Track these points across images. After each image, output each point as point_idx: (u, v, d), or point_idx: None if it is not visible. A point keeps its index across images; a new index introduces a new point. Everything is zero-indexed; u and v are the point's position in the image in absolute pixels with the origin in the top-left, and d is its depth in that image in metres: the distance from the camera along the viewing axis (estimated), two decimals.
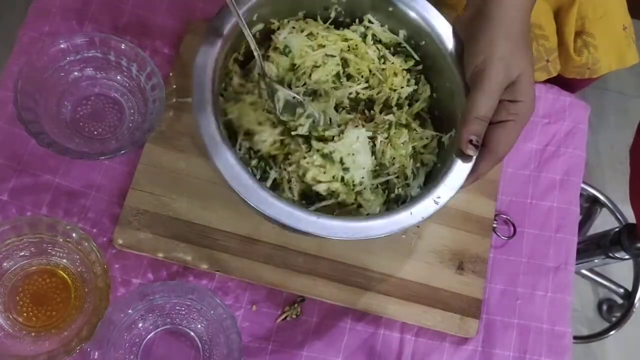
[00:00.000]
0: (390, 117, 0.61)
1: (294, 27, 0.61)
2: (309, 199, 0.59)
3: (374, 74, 0.63)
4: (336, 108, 0.61)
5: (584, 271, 1.43)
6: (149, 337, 0.62)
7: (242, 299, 0.65)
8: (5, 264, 0.61)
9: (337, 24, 0.64)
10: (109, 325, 0.57)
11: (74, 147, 0.62)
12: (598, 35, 0.78)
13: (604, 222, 1.45)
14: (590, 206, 1.48)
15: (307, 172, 0.57)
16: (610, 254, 1.18)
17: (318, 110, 0.59)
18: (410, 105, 0.63)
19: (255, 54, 0.55)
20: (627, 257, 1.17)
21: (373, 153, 0.59)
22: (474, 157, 0.54)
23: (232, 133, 0.59)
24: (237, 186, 0.51)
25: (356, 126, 0.59)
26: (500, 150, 0.53)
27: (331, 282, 0.65)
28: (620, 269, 1.46)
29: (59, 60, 0.63)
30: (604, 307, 1.46)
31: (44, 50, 0.61)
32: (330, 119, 0.60)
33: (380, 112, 0.62)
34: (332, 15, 0.63)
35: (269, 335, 0.65)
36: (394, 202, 0.60)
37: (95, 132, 0.66)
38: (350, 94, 0.62)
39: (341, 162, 0.57)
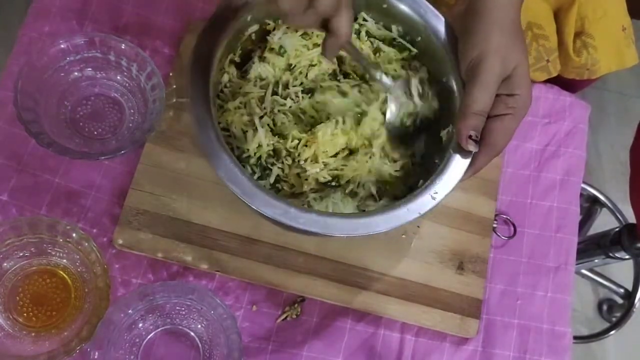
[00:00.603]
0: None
1: (288, 28, 0.61)
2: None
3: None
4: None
5: (584, 271, 1.43)
6: (149, 337, 0.62)
7: (242, 299, 0.65)
8: (5, 264, 0.61)
9: None
10: (109, 326, 0.57)
11: (74, 147, 0.62)
12: (597, 36, 0.78)
13: (604, 222, 1.45)
14: (590, 206, 1.47)
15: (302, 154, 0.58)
16: (610, 254, 1.18)
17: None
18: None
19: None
20: (627, 257, 1.17)
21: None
22: (473, 153, 0.54)
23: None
24: (236, 189, 0.51)
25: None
26: (499, 143, 0.53)
27: (331, 282, 0.65)
28: (620, 269, 1.46)
29: (59, 61, 0.63)
30: (604, 307, 1.46)
31: (44, 50, 0.61)
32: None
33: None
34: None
35: (269, 336, 0.65)
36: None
37: (95, 132, 0.66)
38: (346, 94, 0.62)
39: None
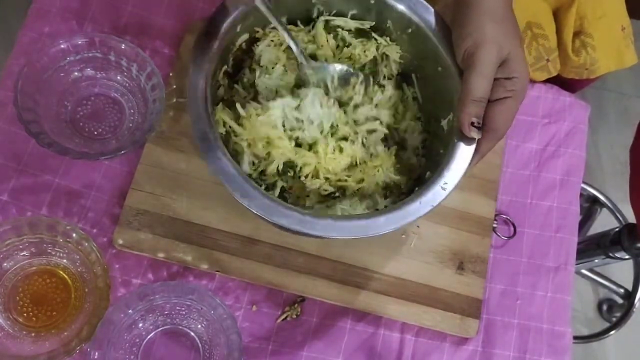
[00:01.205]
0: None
1: (272, 40, 0.62)
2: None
3: (339, 58, 0.63)
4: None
5: (584, 271, 1.43)
6: (149, 337, 0.62)
7: (242, 299, 0.65)
8: (5, 264, 0.61)
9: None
10: (109, 326, 0.57)
11: (74, 147, 0.62)
12: (596, 36, 0.78)
13: (604, 222, 1.45)
14: (590, 206, 1.48)
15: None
16: (610, 254, 1.18)
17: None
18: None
19: (292, 44, 0.57)
20: (627, 257, 1.17)
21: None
22: (477, 139, 0.54)
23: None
24: (252, 205, 0.51)
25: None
26: (501, 127, 0.53)
27: (331, 282, 0.65)
28: (620, 269, 1.46)
29: (59, 61, 0.63)
30: (604, 307, 1.46)
31: (44, 50, 0.61)
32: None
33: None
34: (314, 15, 0.63)
35: (269, 336, 0.65)
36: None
37: (95, 132, 0.66)
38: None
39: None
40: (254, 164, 0.59)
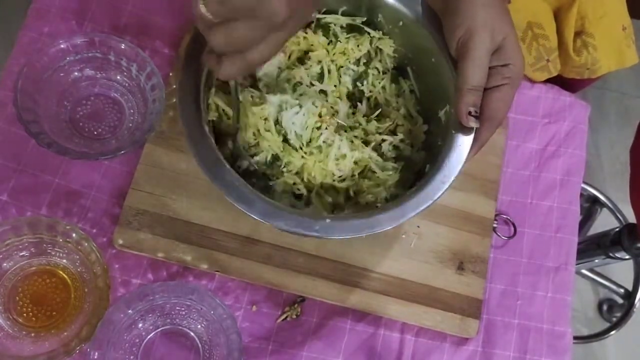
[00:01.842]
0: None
1: None
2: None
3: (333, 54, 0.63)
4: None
5: (584, 271, 1.43)
6: (148, 337, 0.62)
7: (242, 299, 0.65)
8: (5, 264, 0.61)
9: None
10: (108, 326, 0.57)
11: (73, 147, 0.62)
12: (597, 36, 0.78)
13: (604, 222, 1.45)
14: (590, 206, 1.48)
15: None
16: (611, 254, 1.18)
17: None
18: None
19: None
20: (627, 257, 1.17)
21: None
22: (475, 128, 0.54)
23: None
24: (253, 212, 0.51)
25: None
26: (499, 114, 0.53)
27: (331, 282, 0.65)
28: (621, 269, 1.46)
29: (58, 61, 0.63)
30: (604, 307, 1.46)
31: (44, 50, 0.61)
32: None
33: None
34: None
35: (269, 336, 0.65)
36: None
37: (95, 132, 0.66)
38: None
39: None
40: (244, 148, 0.59)
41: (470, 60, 0.52)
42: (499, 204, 0.72)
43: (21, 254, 0.61)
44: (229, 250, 0.64)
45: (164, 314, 0.62)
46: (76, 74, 0.66)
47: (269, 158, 0.59)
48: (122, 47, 0.63)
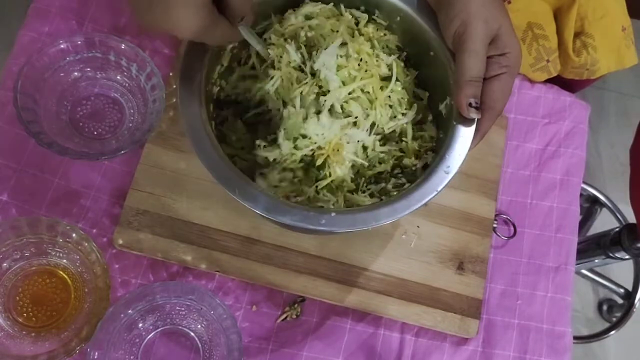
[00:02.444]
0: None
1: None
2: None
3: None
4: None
5: (584, 271, 1.43)
6: (148, 337, 0.62)
7: (242, 299, 0.65)
8: (5, 264, 0.61)
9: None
10: (108, 326, 0.57)
11: (73, 147, 0.62)
12: (597, 36, 0.78)
13: (604, 222, 1.45)
14: (590, 206, 1.48)
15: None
16: (611, 254, 1.18)
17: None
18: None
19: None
20: (627, 257, 1.17)
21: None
22: (476, 119, 0.54)
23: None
24: (258, 208, 0.51)
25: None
26: (499, 103, 0.53)
27: (331, 282, 0.65)
28: (621, 269, 1.46)
29: (58, 61, 0.63)
30: (604, 307, 1.46)
31: (44, 50, 0.61)
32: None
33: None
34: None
35: (269, 336, 0.65)
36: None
37: (95, 132, 0.66)
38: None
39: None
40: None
41: (467, 52, 0.52)
42: (499, 204, 0.72)
43: (21, 253, 0.61)
44: (229, 250, 0.64)
45: (164, 314, 0.62)
46: (76, 74, 0.66)
47: (274, 89, 0.58)
48: (122, 47, 0.63)
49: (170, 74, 0.69)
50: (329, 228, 0.50)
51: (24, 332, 0.60)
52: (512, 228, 0.72)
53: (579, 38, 0.78)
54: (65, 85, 0.65)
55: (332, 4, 0.62)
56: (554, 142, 0.76)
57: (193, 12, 0.44)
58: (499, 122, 0.73)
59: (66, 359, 0.56)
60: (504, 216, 0.72)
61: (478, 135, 0.55)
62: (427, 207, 0.68)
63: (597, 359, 1.43)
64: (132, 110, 0.67)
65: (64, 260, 0.62)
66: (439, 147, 0.56)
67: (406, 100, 0.62)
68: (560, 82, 0.80)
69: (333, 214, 0.51)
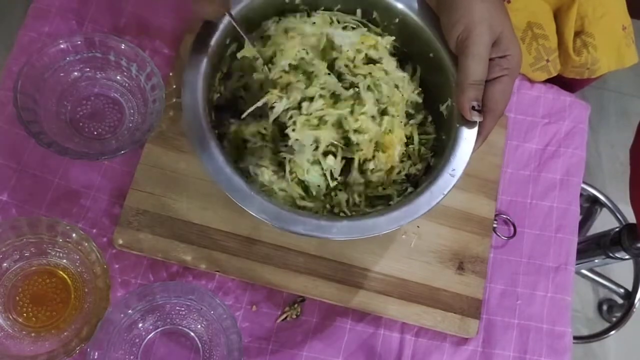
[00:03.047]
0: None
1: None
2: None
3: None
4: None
5: (584, 271, 1.43)
6: (148, 337, 0.62)
7: (242, 299, 0.65)
8: (5, 264, 0.61)
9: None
10: (108, 326, 0.57)
11: (73, 147, 0.62)
12: (597, 35, 0.78)
13: (604, 222, 1.45)
14: (590, 206, 1.47)
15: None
16: (611, 254, 1.18)
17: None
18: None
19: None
20: (627, 257, 1.17)
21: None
22: (478, 122, 0.55)
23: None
24: (268, 218, 0.51)
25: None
26: (501, 105, 0.54)
27: (331, 282, 0.65)
28: (621, 269, 1.46)
29: (58, 61, 0.63)
30: (604, 307, 1.46)
31: (44, 50, 0.61)
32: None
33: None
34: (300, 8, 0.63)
35: (269, 336, 0.65)
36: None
37: (95, 132, 0.66)
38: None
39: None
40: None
41: (471, 55, 0.52)
42: (499, 204, 0.72)
43: (21, 254, 0.61)
44: (229, 250, 0.64)
45: (164, 314, 0.62)
46: (76, 74, 0.66)
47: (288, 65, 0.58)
48: (122, 47, 0.63)
49: (170, 74, 0.69)
50: (340, 236, 0.51)
51: (24, 332, 0.60)
52: (512, 228, 0.72)
53: (579, 37, 0.78)
54: (65, 85, 0.65)
55: (322, 9, 0.62)
56: (554, 142, 0.76)
57: None
58: (499, 121, 0.72)
59: (66, 359, 0.56)
60: (504, 216, 0.72)
61: (480, 137, 0.55)
62: None
63: (597, 359, 1.43)
64: (132, 110, 0.67)
65: (64, 260, 0.62)
66: (441, 149, 0.57)
67: (413, 103, 0.62)
68: (560, 81, 0.80)
69: (344, 222, 0.51)
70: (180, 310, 0.62)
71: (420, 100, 0.62)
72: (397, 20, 0.61)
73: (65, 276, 0.62)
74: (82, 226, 0.65)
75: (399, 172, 0.61)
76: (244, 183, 0.52)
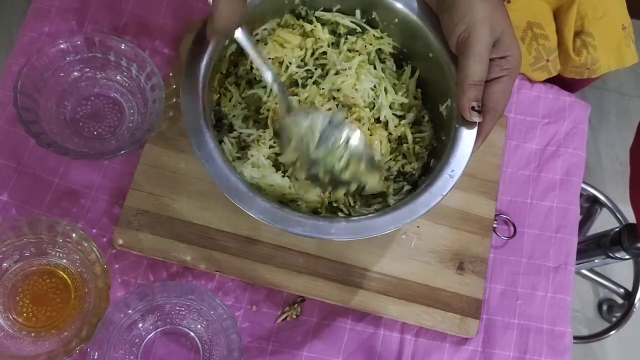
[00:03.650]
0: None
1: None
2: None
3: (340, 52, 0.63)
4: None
5: (584, 271, 1.43)
6: (148, 337, 0.62)
7: (242, 299, 0.65)
8: (5, 264, 0.61)
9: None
10: (108, 326, 0.57)
11: (74, 147, 0.62)
12: (597, 35, 0.78)
13: (604, 222, 1.45)
14: (590, 206, 1.47)
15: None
16: (611, 254, 1.18)
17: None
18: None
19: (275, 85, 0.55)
20: (627, 257, 1.16)
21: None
22: (478, 122, 0.55)
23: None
24: (265, 218, 0.51)
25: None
26: (500, 105, 0.54)
27: (331, 282, 0.65)
28: (620, 269, 1.46)
29: (58, 61, 0.63)
30: (604, 307, 1.46)
31: (44, 50, 0.61)
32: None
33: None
34: (302, 15, 0.63)
35: (269, 336, 0.65)
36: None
37: (95, 132, 0.66)
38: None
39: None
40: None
41: (471, 56, 0.52)
42: (499, 204, 0.72)
43: (21, 254, 0.61)
44: (229, 250, 0.64)
45: (164, 314, 0.62)
46: (76, 74, 0.66)
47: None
48: (122, 47, 0.63)
49: (170, 74, 0.69)
50: (338, 237, 0.51)
51: (24, 332, 0.60)
52: (512, 228, 0.72)
53: (579, 37, 0.78)
54: (65, 85, 0.65)
55: (321, 9, 0.62)
56: (554, 142, 0.76)
57: None
58: (499, 121, 0.73)
59: (66, 359, 0.56)
60: (504, 216, 0.72)
61: (480, 138, 0.55)
62: None
63: (597, 359, 1.43)
64: (132, 110, 0.67)
65: (64, 260, 0.62)
66: (440, 149, 0.57)
67: (406, 103, 0.63)
68: (560, 81, 0.80)
69: (342, 223, 0.51)
70: (180, 310, 0.62)
71: (405, 101, 0.63)
72: (396, 20, 0.61)
73: (65, 276, 0.62)
74: (82, 226, 0.65)
75: (389, 169, 0.61)
76: (242, 183, 0.52)
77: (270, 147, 0.59)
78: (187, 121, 0.53)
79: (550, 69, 0.78)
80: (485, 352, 0.67)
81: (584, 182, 1.39)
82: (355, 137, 0.55)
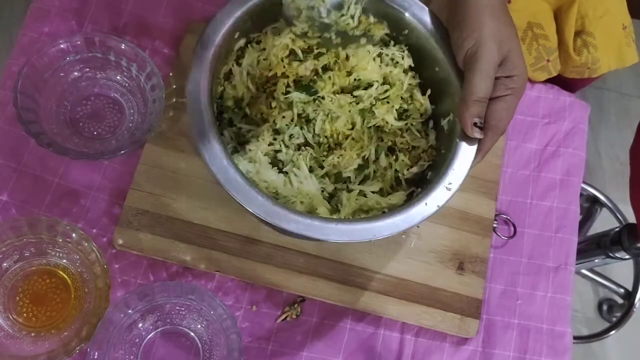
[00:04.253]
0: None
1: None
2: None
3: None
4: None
5: (584, 271, 1.43)
6: (148, 337, 0.62)
7: (242, 299, 0.65)
8: (5, 264, 0.61)
9: None
10: (108, 326, 0.57)
11: (74, 147, 0.62)
12: (598, 35, 0.78)
13: (604, 222, 1.45)
14: (590, 206, 1.47)
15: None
16: (611, 254, 1.18)
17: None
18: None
19: None
20: (627, 257, 1.16)
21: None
22: (479, 138, 0.55)
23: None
24: (260, 212, 0.51)
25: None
26: (503, 123, 0.54)
27: (331, 282, 0.65)
28: (621, 269, 1.46)
29: (58, 61, 0.63)
30: (604, 307, 1.46)
31: (44, 50, 0.61)
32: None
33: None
34: None
35: (269, 336, 0.65)
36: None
37: (95, 132, 0.66)
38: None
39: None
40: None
41: (477, 72, 0.52)
42: (499, 204, 0.72)
43: (21, 254, 0.61)
44: (229, 250, 0.64)
45: (164, 314, 0.62)
46: (76, 74, 0.66)
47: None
48: (122, 47, 0.63)
49: (170, 74, 0.69)
50: (337, 239, 0.51)
51: (24, 332, 0.60)
52: (512, 228, 0.72)
53: (579, 37, 0.78)
54: (65, 85, 0.65)
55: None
56: (554, 142, 0.76)
57: None
58: None
59: (66, 359, 0.56)
60: (504, 216, 0.72)
61: (480, 154, 0.55)
62: None
63: (597, 359, 1.43)
64: (132, 110, 0.67)
65: (64, 260, 0.62)
66: (439, 162, 0.57)
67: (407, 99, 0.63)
68: (560, 81, 0.80)
69: (340, 225, 0.51)
70: (180, 310, 0.62)
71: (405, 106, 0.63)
72: (405, 32, 0.61)
73: (65, 276, 0.62)
74: (82, 226, 0.65)
75: (385, 170, 0.62)
76: (242, 178, 0.52)
77: (270, 144, 0.59)
78: (191, 108, 0.52)
79: (550, 69, 0.78)
80: (485, 352, 0.67)
81: (584, 182, 1.39)
82: None
